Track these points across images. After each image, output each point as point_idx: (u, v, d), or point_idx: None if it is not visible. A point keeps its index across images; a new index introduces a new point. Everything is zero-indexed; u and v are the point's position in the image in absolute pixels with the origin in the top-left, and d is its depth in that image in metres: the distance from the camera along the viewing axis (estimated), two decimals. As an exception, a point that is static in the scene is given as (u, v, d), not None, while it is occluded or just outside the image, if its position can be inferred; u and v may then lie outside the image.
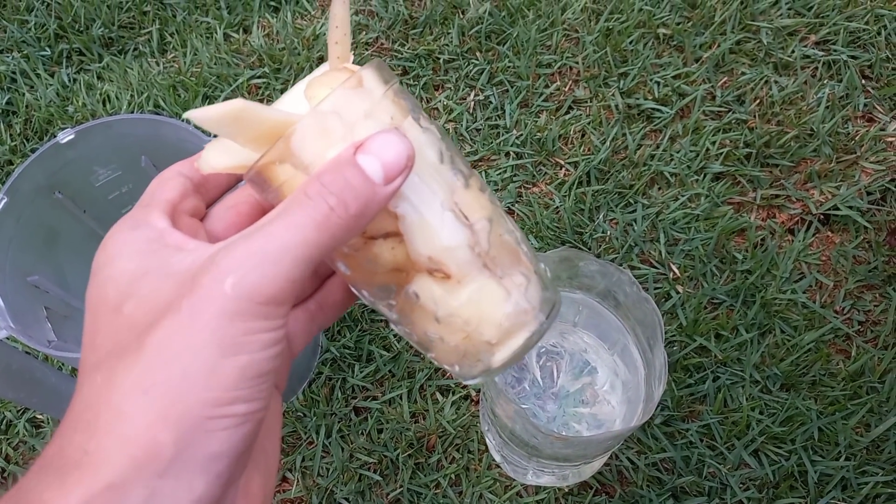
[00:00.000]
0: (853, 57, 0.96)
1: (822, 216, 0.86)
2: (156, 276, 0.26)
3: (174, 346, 0.23)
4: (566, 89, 0.96)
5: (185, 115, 0.27)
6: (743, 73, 0.95)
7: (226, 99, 0.96)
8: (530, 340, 0.31)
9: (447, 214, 0.29)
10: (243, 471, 0.27)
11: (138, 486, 0.22)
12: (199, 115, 0.26)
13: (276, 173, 0.28)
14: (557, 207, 0.86)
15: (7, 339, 0.58)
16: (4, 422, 0.78)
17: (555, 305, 0.32)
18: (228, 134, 0.28)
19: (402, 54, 0.99)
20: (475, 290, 0.30)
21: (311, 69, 0.97)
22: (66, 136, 0.62)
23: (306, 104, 0.30)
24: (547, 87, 0.96)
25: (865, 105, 0.93)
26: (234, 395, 0.24)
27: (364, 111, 0.28)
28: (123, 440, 0.23)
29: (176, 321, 0.24)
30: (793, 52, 0.97)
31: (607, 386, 0.67)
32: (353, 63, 0.32)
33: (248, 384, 0.24)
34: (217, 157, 0.30)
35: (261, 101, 0.96)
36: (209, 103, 0.95)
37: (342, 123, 0.27)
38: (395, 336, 0.79)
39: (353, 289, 0.32)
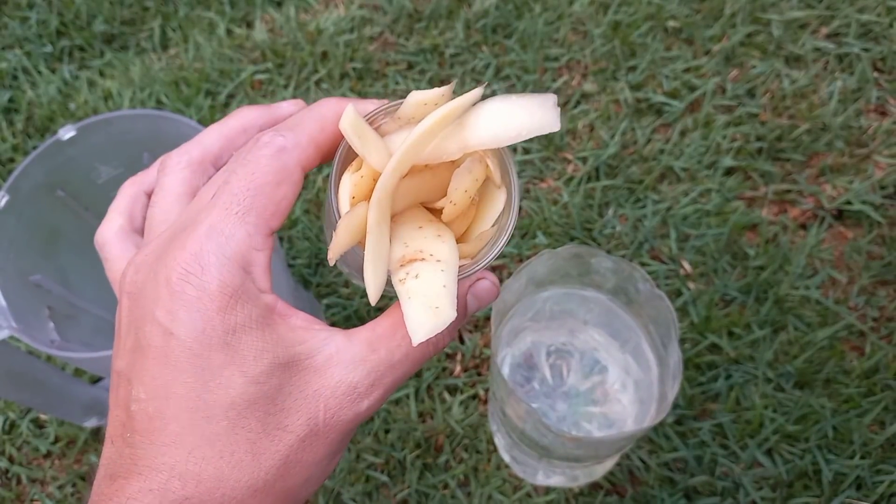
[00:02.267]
0: (865, 49, 0.95)
1: (834, 211, 0.84)
2: (270, 359, 0.26)
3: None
4: (574, 83, 0.95)
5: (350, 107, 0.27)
6: (753, 67, 0.94)
7: (228, 95, 0.95)
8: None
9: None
10: None
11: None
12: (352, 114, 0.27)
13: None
14: (566, 203, 0.85)
15: (9, 339, 0.57)
16: (8, 422, 0.77)
17: None
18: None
19: (406, 48, 0.98)
20: None
21: (315, 65, 0.96)
22: (67, 133, 0.61)
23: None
24: (554, 80, 0.94)
25: (878, 98, 0.92)
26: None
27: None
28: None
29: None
30: (804, 44, 0.95)
31: (618, 385, 0.66)
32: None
33: None
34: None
35: (263, 96, 0.95)
36: (212, 99, 0.94)
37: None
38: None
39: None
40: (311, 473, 0.27)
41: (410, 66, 0.97)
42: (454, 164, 0.28)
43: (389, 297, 0.28)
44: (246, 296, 0.26)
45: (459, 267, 0.28)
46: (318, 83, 0.95)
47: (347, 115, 0.27)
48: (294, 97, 0.94)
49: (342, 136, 0.28)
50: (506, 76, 0.95)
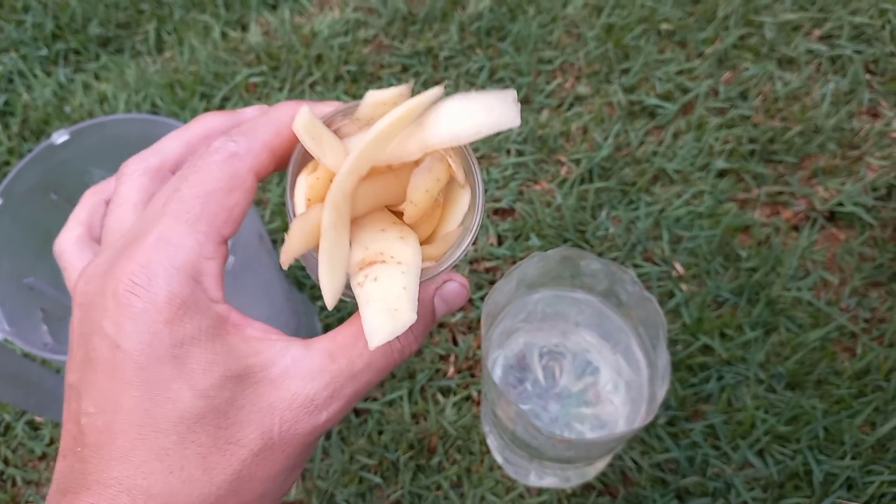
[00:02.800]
0: (858, 52, 0.95)
1: (827, 213, 0.85)
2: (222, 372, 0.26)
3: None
4: (567, 86, 0.95)
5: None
6: (746, 69, 0.94)
7: (223, 98, 0.95)
8: None
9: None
10: None
11: None
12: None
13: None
14: (559, 205, 0.85)
15: (3, 341, 0.57)
16: (3, 424, 0.77)
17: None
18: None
19: (401, 51, 0.98)
20: None
21: (310, 67, 0.96)
22: (60, 137, 0.61)
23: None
24: (548, 83, 0.95)
25: (870, 100, 0.92)
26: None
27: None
28: None
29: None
30: (796, 47, 0.96)
31: (610, 386, 0.66)
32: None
33: None
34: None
35: (258, 99, 0.95)
36: (207, 102, 0.94)
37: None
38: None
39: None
40: (267, 489, 0.26)
41: (405, 69, 0.97)
42: (416, 165, 0.28)
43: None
44: (196, 306, 0.25)
45: (424, 269, 0.27)
46: (312, 86, 0.96)
47: (301, 117, 0.27)
48: (289, 100, 0.94)
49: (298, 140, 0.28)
50: (500, 78, 0.95)
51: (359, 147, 0.26)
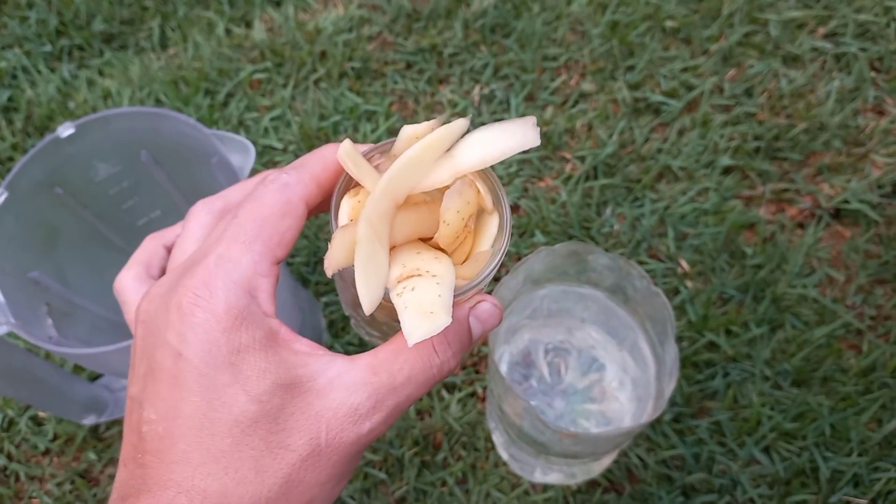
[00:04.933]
0: (863, 49, 0.95)
1: (832, 210, 0.84)
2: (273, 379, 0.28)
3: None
4: (572, 83, 0.95)
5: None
6: (751, 66, 0.94)
7: (227, 94, 0.95)
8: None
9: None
10: None
11: None
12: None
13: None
14: (564, 202, 0.85)
15: (8, 335, 0.57)
16: (6, 419, 0.77)
17: None
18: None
19: (405, 48, 0.98)
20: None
21: (314, 64, 0.96)
22: (66, 131, 0.61)
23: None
24: (553, 80, 0.95)
25: (875, 97, 0.92)
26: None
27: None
28: None
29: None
30: (801, 44, 0.96)
31: (616, 382, 0.66)
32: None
33: None
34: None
35: (262, 95, 0.95)
36: (211, 98, 0.94)
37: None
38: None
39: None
40: (314, 495, 0.27)
41: (409, 66, 0.97)
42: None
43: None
44: (251, 318, 0.27)
45: (457, 286, 0.29)
46: (316, 82, 0.95)
47: (344, 147, 0.29)
48: (293, 96, 0.94)
49: (342, 171, 0.30)
50: (504, 76, 0.95)
51: (391, 169, 0.28)
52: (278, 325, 0.28)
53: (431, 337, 0.26)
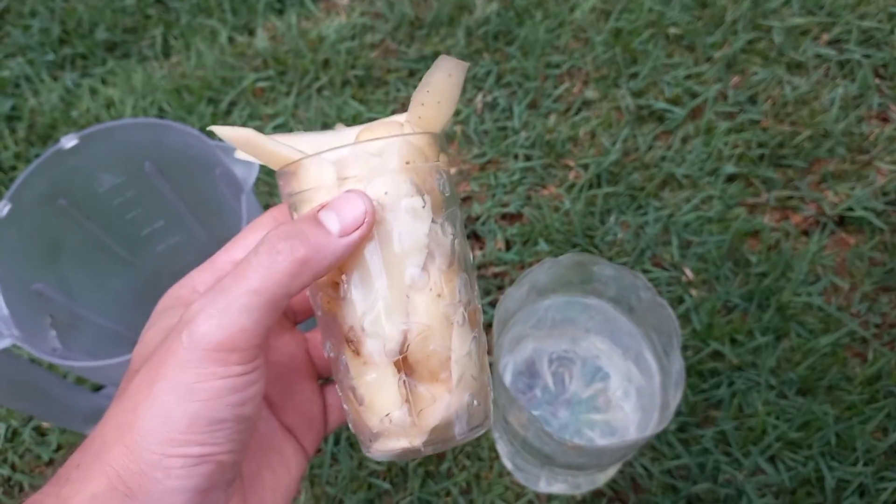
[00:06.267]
0: (866, 56, 0.95)
1: (836, 217, 0.84)
2: (158, 328, 0.30)
3: (142, 391, 0.27)
4: (575, 90, 0.95)
5: (210, 127, 0.31)
6: (755, 73, 0.94)
7: (230, 103, 0.95)
8: (405, 455, 0.31)
9: (379, 302, 0.29)
10: (224, 498, 0.29)
11: (113, 501, 0.26)
12: (218, 130, 0.31)
13: (289, 184, 0.31)
14: (567, 210, 0.85)
15: (11, 347, 0.57)
16: (10, 430, 0.77)
17: (447, 444, 0.31)
18: (244, 151, 0.31)
19: (408, 55, 0.98)
20: (375, 378, 0.30)
21: (317, 72, 0.96)
22: (69, 142, 0.61)
23: (347, 141, 0.31)
24: (556, 88, 0.94)
25: (879, 104, 0.92)
26: (187, 438, 0.26)
27: (361, 175, 0.29)
28: (103, 464, 0.26)
29: (147, 369, 0.27)
30: (805, 51, 0.95)
31: (620, 392, 0.65)
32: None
33: (201, 429, 0.26)
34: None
35: (265, 104, 0.95)
36: (214, 107, 0.94)
37: (335, 177, 0.29)
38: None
39: None
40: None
41: (412, 74, 0.97)
42: None
43: None
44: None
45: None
46: (319, 90, 0.95)
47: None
48: (296, 105, 0.94)
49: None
50: (507, 83, 0.95)
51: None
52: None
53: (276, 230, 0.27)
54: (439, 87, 0.30)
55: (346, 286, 0.29)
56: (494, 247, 0.83)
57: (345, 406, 0.32)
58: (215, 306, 0.26)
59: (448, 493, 0.71)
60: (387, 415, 0.30)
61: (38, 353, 0.54)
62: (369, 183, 0.29)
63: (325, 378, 0.38)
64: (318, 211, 0.28)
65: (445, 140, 0.32)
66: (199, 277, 0.32)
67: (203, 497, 0.27)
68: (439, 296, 0.30)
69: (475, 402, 0.31)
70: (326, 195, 0.29)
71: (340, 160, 0.29)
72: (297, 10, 1.04)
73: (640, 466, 0.71)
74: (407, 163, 0.29)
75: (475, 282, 0.32)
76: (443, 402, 0.30)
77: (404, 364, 0.30)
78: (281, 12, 1.05)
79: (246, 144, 0.30)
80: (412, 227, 0.29)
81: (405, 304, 0.29)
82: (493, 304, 0.80)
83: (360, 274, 0.29)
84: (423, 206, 0.29)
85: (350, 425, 0.33)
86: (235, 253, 0.32)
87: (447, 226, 0.30)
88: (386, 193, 0.29)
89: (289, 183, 0.30)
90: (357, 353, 0.30)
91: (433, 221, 0.30)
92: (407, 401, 0.30)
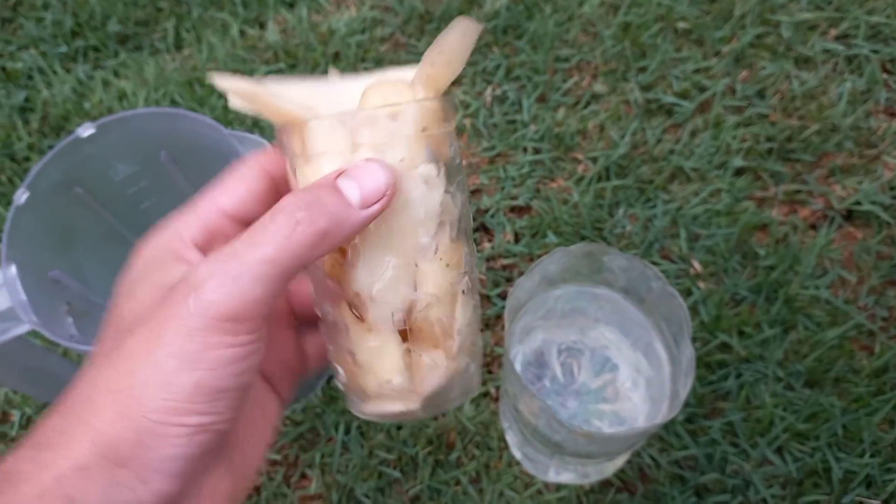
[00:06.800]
0: (874, 51, 0.95)
1: (844, 212, 0.85)
2: (151, 284, 0.28)
3: (141, 354, 0.26)
4: (584, 84, 0.95)
5: (211, 75, 0.30)
6: (763, 68, 0.94)
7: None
8: (399, 417, 0.32)
9: (389, 271, 0.29)
10: (208, 470, 0.28)
11: (101, 470, 0.25)
12: (219, 81, 0.29)
13: (293, 143, 0.29)
14: (576, 203, 0.85)
15: (27, 334, 0.57)
16: (24, 417, 0.77)
17: (440, 408, 0.32)
18: (249, 105, 0.29)
19: (418, 49, 0.98)
20: (378, 345, 0.30)
21: (327, 65, 0.96)
22: (86, 131, 0.62)
23: (347, 97, 0.30)
24: (565, 81, 0.95)
25: (887, 99, 0.92)
26: (188, 407, 0.25)
27: (377, 142, 0.28)
28: (91, 429, 0.25)
29: (146, 330, 0.26)
30: (813, 46, 0.96)
31: (630, 383, 0.66)
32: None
33: (204, 398, 0.25)
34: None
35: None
36: (226, 99, 0.94)
37: (349, 141, 0.28)
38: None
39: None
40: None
41: (421, 67, 0.97)
42: None
43: None
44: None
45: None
46: (330, 83, 0.96)
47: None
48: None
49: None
50: (516, 77, 0.96)
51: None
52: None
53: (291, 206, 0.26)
54: (453, 48, 0.29)
55: (355, 253, 0.29)
56: (503, 239, 0.84)
57: (336, 365, 0.32)
58: (227, 274, 0.25)
59: (458, 482, 0.72)
60: (387, 381, 0.30)
61: (56, 338, 0.55)
62: (385, 150, 0.28)
63: (302, 324, 0.36)
64: (337, 178, 0.27)
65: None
66: (184, 224, 0.30)
67: (196, 464, 0.26)
68: (448, 265, 0.30)
69: (471, 368, 0.32)
70: (339, 161, 0.28)
71: (353, 124, 0.28)
72: (307, 4, 1.04)
73: (647, 457, 0.72)
74: (423, 129, 0.28)
75: (475, 250, 0.33)
76: (442, 368, 0.31)
77: (408, 331, 0.30)
78: (292, 6, 1.05)
79: (250, 99, 0.29)
80: (427, 195, 0.29)
81: (414, 274, 0.29)
82: (501, 297, 0.81)
83: (372, 241, 0.29)
84: (438, 175, 0.29)
85: (339, 383, 0.33)
86: (220, 199, 0.30)
87: (458, 194, 0.30)
88: (402, 160, 0.28)
89: (292, 141, 0.29)
90: (361, 318, 0.30)
91: (446, 190, 0.29)
92: (408, 367, 0.31)
